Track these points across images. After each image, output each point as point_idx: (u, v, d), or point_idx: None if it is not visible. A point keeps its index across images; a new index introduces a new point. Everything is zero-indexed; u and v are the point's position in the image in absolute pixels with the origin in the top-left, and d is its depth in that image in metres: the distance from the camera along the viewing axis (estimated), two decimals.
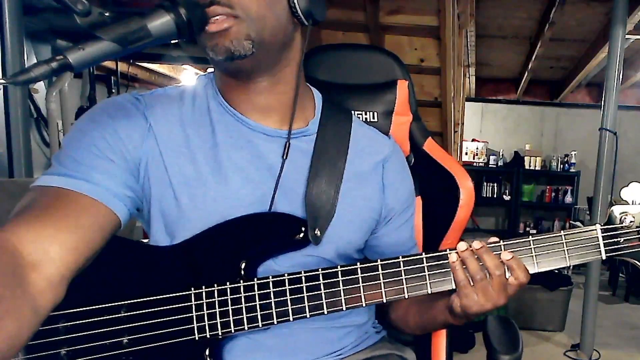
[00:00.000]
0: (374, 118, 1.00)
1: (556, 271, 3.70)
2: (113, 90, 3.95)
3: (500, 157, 5.92)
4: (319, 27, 2.25)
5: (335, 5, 2.16)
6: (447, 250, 0.73)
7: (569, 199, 5.77)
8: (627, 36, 3.12)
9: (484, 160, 5.87)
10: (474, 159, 5.85)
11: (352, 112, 0.90)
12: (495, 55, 4.79)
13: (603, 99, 2.88)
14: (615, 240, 0.73)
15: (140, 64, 4.18)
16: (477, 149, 5.88)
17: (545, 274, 3.51)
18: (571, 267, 5.12)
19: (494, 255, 0.70)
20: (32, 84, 0.59)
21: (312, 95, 0.85)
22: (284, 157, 0.75)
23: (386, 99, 1.02)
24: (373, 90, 1.03)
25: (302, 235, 0.74)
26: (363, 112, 0.99)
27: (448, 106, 2.69)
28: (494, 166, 5.83)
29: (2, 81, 0.57)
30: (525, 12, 3.56)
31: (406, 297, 0.73)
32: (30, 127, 2.40)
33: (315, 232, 0.74)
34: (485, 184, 5.86)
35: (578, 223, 5.33)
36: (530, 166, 5.78)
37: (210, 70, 0.83)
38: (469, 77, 5.22)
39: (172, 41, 0.65)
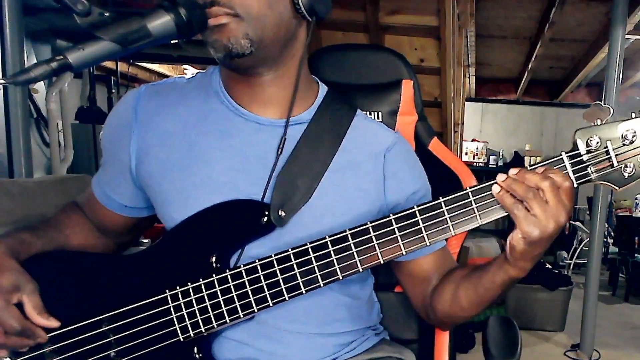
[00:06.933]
0: (378, 118, 0.99)
1: (556, 271, 3.70)
2: (113, 90, 3.94)
3: (500, 157, 5.92)
4: (319, 28, 2.26)
5: (335, 5, 2.15)
6: (470, 187, 0.68)
7: None
8: (627, 36, 3.12)
9: (484, 160, 5.87)
10: (474, 159, 5.85)
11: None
12: (495, 55, 4.80)
13: (603, 99, 2.88)
14: (584, 165, 0.69)
15: (140, 64, 4.19)
16: (477, 149, 5.88)
17: (545, 274, 3.49)
18: (571, 267, 5.11)
19: (534, 172, 0.65)
20: (32, 84, 0.59)
21: (316, 87, 0.84)
22: (279, 152, 0.74)
23: (391, 99, 1.01)
24: (378, 90, 1.02)
25: (265, 218, 0.72)
26: (367, 112, 0.97)
27: (448, 106, 2.70)
28: (494, 166, 5.83)
29: (2, 81, 0.57)
30: (525, 12, 3.56)
31: (404, 253, 0.69)
32: (30, 127, 2.40)
33: (279, 214, 0.72)
34: None
35: (578, 223, 5.32)
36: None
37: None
38: (469, 77, 5.22)
39: (172, 41, 0.65)
